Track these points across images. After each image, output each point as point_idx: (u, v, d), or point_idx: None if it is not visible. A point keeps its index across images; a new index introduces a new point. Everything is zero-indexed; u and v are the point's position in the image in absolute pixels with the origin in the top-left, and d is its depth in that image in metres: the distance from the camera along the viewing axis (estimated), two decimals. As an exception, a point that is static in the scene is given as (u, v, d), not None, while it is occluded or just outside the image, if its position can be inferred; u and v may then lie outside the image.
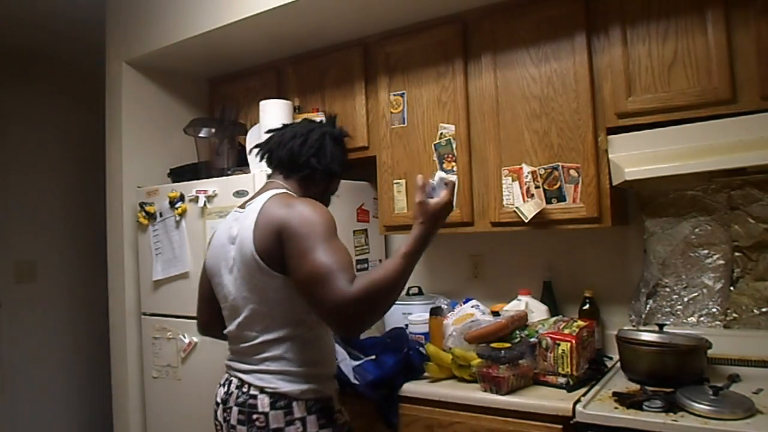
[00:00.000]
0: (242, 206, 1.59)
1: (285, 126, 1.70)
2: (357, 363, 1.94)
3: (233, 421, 1.45)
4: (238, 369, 1.51)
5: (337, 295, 1.26)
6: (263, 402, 1.42)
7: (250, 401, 1.43)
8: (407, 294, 2.44)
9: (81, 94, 3.41)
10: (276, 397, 1.42)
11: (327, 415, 1.47)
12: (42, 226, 3.35)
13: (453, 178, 1.45)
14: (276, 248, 1.39)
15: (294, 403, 1.42)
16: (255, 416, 1.42)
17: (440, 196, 1.41)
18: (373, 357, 1.97)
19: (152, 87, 2.79)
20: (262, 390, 1.43)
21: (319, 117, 2.29)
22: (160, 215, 2.46)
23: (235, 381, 1.50)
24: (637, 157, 1.78)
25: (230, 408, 1.47)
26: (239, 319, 1.50)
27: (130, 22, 2.66)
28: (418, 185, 1.42)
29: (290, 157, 1.58)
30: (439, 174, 1.44)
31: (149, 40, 2.58)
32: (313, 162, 1.58)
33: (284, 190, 1.54)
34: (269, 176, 1.67)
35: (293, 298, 1.42)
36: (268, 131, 1.69)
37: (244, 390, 1.46)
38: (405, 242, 1.37)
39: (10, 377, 3.14)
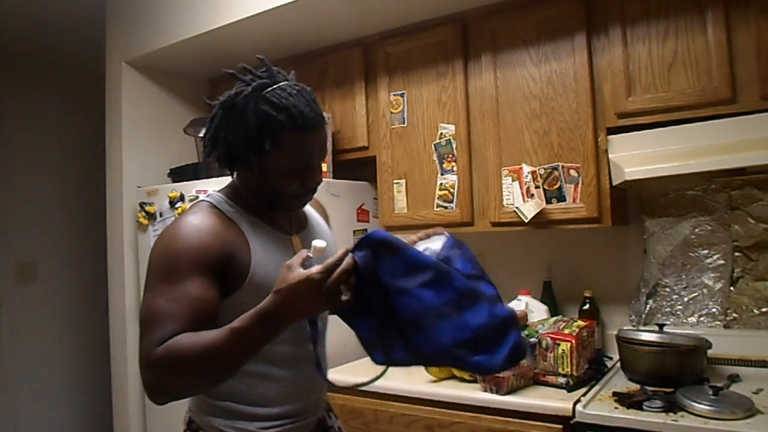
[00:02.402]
0: None
1: None
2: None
3: None
4: None
5: (141, 354, 1.07)
6: (186, 420, 1.40)
7: (185, 416, 1.41)
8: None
9: (81, 95, 3.41)
10: (191, 421, 1.38)
11: None
12: (42, 226, 3.35)
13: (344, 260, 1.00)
14: None
15: None
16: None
17: (307, 270, 1.01)
18: None
19: (152, 87, 2.79)
20: (189, 409, 1.40)
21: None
22: (160, 215, 2.46)
23: None
24: (637, 157, 1.78)
25: None
26: None
27: (130, 22, 2.66)
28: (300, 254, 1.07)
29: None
30: (319, 246, 1.08)
31: (149, 40, 2.58)
32: (208, 146, 1.28)
33: (208, 199, 1.29)
34: None
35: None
36: None
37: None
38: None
39: (10, 377, 3.14)
